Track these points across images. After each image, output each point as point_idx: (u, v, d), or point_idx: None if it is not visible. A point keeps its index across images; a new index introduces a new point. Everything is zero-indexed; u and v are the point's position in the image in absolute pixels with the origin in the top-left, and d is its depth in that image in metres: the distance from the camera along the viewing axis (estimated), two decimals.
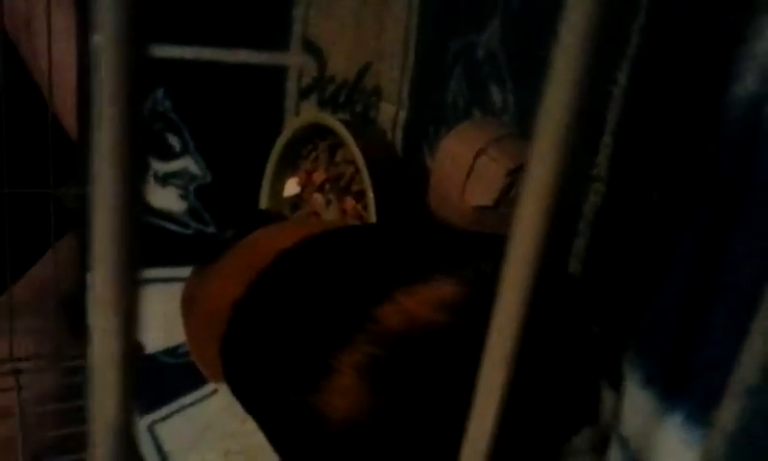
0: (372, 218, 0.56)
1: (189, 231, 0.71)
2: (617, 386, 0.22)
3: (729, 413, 0.15)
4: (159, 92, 0.66)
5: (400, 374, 0.33)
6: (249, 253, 0.46)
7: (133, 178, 0.11)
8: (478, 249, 0.37)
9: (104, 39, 0.11)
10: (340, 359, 0.34)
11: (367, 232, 0.46)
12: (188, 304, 0.53)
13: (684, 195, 0.20)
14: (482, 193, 0.43)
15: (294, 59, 0.66)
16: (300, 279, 0.41)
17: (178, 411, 0.62)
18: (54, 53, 0.64)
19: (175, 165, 0.68)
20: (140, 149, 0.11)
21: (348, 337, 0.35)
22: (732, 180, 0.20)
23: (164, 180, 0.69)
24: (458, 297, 0.33)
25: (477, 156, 0.43)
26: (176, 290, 0.55)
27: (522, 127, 0.47)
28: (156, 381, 0.65)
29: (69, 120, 0.68)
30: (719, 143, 0.21)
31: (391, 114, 0.62)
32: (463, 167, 0.43)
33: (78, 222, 0.70)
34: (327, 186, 0.63)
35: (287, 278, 0.42)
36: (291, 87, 0.67)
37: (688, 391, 0.18)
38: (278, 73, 0.67)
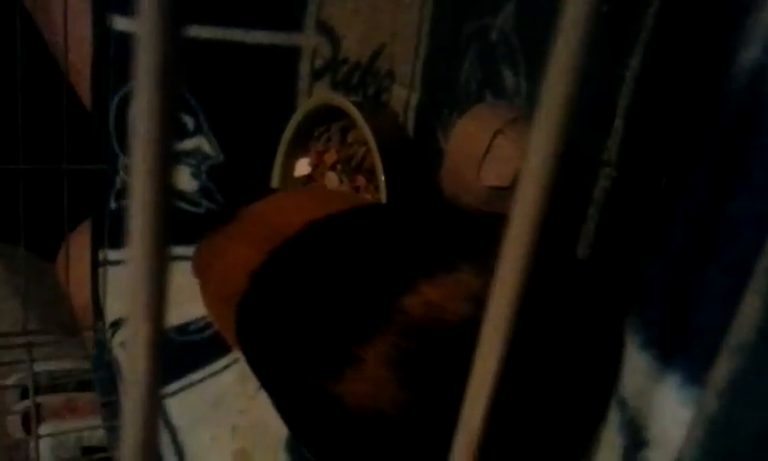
0: (384, 199, 0.57)
1: (200, 211, 0.71)
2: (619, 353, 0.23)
3: (723, 370, 0.16)
4: None
5: (428, 366, 0.33)
6: (272, 217, 0.46)
7: (169, 156, 0.12)
8: (494, 232, 0.37)
9: (144, 20, 0.11)
10: (365, 348, 0.34)
11: (388, 214, 0.46)
12: (204, 270, 0.53)
13: (684, 161, 0.20)
14: (498, 174, 0.43)
15: (308, 40, 0.67)
16: (324, 258, 0.41)
17: (187, 387, 0.63)
18: (70, 28, 0.65)
19: (188, 144, 0.69)
20: (174, 130, 0.12)
21: (373, 327, 0.35)
22: (731, 145, 0.21)
23: (177, 158, 0.70)
24: (483, 288, 0.33)
25: (494, 136, 0.43)
26: (186, 268, 0.56)
27: (534, 111, 0.48)
28: (166, 358, 0.66)
29: (86, 95, 0.69)
30: (722, 110, 0.22)
31: (403, 97, 0.63)
32: (479, 148, 0.44)
33: (91, 199, 0.71)
34: (339, 167, 0.63)
35: (310, 253, 0.42)
36: (304, 69, 0.68)
37: (686, 353, 0.18)
38: (292, 54, 0.67)
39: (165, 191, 0.12)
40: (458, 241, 0.38)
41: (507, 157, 0.44)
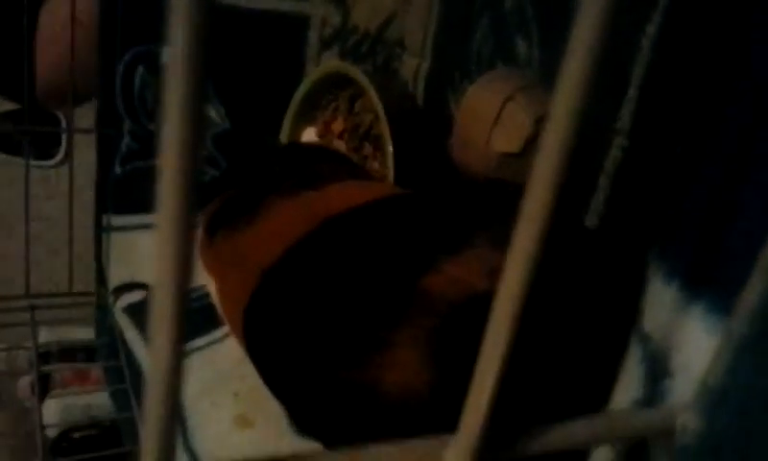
0: (391, 168, 0.56)
1: (205, 178, 0.71)
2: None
3: (754, 291, 0.15)
4: None
5: (459, 343, 0.33)
6: (290, 215, 0.45)
7: (199, 123, 0.12)
8: (506, 201, 0.37)
9: None
10: (393, 333, 0.34)
11: (404, 199, 0.45)
12: (219, 268, 0.52)
13: (718, 95, 0.20)
14: (508, 140, 0.43)
15: (317, 8, 0.66)
16: (340, 252, 0.40)
17: (190, 353, 0.63)
18: None
19: None
20: (204, 97, 0.12)
21: (399, 311, 0.34)
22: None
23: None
24: (501, 261, 0.33)
25: (505, 102, 0.43)
26: None
27: (547, 81, 0.47)
28: None
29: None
30: (752, 67, 0.22)
31: (413, 66, 0.62)
32: (490, 114, 0.43)
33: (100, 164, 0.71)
34: (346, 136, 0.63)
35: (327, 249, 0.41)
36: (313, 37, 0.67)
37: (712, 281, 0.18)
38: (301, 22, 0.67)
39: (195, 159, 0.12)
40: (473, 215, 0.38)
41: (517, 123, 0.43)
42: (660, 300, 0.20)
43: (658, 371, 0.20)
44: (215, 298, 0.52)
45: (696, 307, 0.19)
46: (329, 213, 0.43)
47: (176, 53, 0.11)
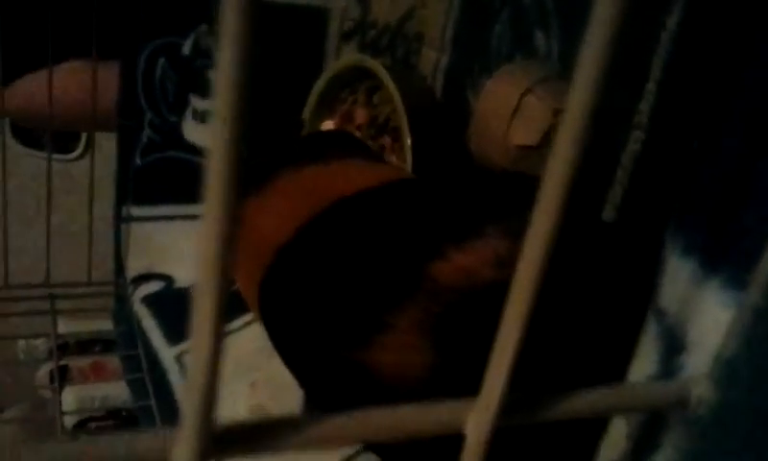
0: (409, 161, 0.57)
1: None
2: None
3: None
4: (203, 29, 0.67)
5: (458, 331, 0.33)
6: (303, 192, 0.46)
7: (245, 114, 0.12)
8: (521, 194, 0.37)
9: None
10: (398, 316, 0.34)
11: (417, 185, 0.46)
12: None
13: (735, 81, 0.20)
14: (527, 132, 0.43)
15: (337, 1, 0.66)
16: (353, 230, 0.41)
17: None
18: None
19: (213, 102, 0.69)
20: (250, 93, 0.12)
21: (403, 294, 0.34)
22: None
23: (203, 116, 0.70)
24: (511, 252, 0.33)
25: (523, 95, 0.43)
26: None
27: (566, 74, 0.47)
28: (186, 314, 0.66)
29: None
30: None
31: (432, 60, 0.62)
32: (508, 106, 0.44)
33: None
34: (364, 128, 0.63)
35: (339, 229, 0.42)
36: (333, 30, 0.68)
37: (728, 255, 0.18)
38: (321, 15, 0.67)
39: (240, 147, 0.12)
40: (486, 205, 0.38)
41: (536, 116, 0.44)
42: (677, 275, 0.20)
43: (674, 345, 0.20)
44: None
45: (712, 282, 0.19)
46: (334, 190, 0.44)
47: (227, 35, 0.11)
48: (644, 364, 0.21)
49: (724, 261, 0.18)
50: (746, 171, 0.18)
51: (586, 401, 0.16)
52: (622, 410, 0.19)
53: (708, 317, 0.18)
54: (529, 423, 0.16)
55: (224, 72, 0.11)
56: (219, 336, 0.13)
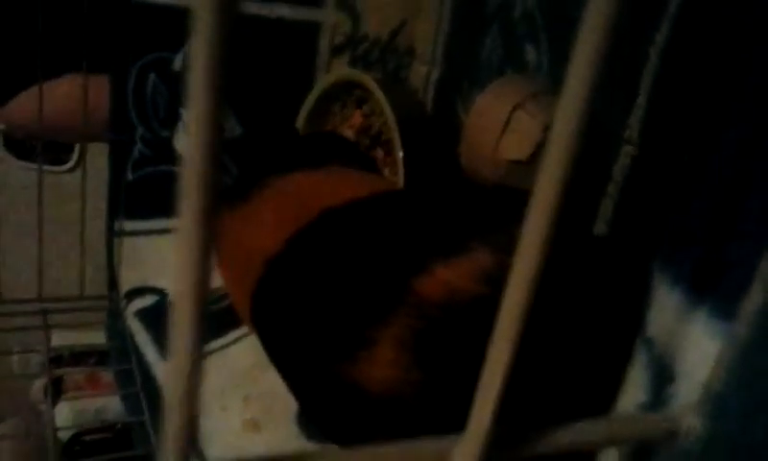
0: (401, 174, 0.57)
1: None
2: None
3: (757, 297, 0.16)
4: None
5: (444, 347, 0.33)
6: (291, 202, 0.46)
7: (220, 129, 0.12)
8: (509, 209, 0.38)
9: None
10: (380, 331, 0.34)
11: (404, 197, 0.46)
12: (220, 250, 0.53)
13: (723, 97, 0.20)
14: (517, 147, 0.43)
15: (328, 16, 0.66)
16: (339, 243, 0.41)
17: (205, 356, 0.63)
18: None
19: None
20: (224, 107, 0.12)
21: (388, 309, 0.35)
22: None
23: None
24: (497, 267, 0.33)
25: (514, 110, 0.43)
26: None
27: (557, 89, 0.48)
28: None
29: None
30: (750, 82, 0.22)
31: (423, 74, 0.63)
32: (499, 121, 0.44)
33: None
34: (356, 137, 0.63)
35: (326, 241, 0.42)
36: (324, 44, 0.68)
37: (715, 286, 0.19)
38: (312, 29, 0.67)
39: (215, 163, 0.12)
40: (472, 220, 0.38)
41: (526, 130, 0.44)
42: (665, 305, 0.20)
43: (662, 375, 0.20)
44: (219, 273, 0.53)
45: (700, 313, 0.19)
46: (322, 201, 0.44)
47: (197, 67, 0.11)
48: (634, 393, 0.21)
49: (711, 292, 0.18)
50: (732, 205, 0.18)
51: (574, 435, 0.16)
52: (612, 443, 0.19)
53: (696, 347, 0.19)
54: (517, 458, 0.16)
55: (197, 76, 0.11)
56: (198, 347, 0.13)
